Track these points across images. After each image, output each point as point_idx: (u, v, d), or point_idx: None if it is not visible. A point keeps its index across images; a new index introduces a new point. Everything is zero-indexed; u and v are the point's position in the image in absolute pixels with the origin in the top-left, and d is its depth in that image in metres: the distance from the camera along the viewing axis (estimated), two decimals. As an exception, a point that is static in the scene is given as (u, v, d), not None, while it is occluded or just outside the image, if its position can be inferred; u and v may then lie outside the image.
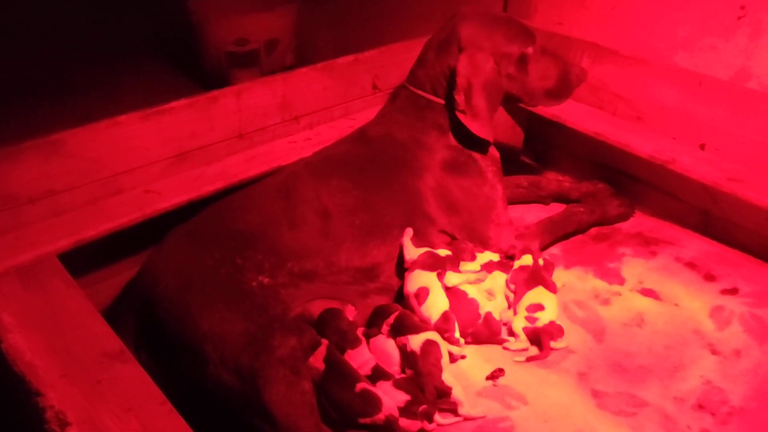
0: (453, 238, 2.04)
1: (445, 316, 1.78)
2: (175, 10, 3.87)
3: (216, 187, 2.03)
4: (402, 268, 1.91)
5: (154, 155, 2.00)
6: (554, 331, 1.82)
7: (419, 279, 1.83)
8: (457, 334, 1.78)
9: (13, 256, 1.68)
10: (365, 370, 1.66)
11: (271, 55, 3.91)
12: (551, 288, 1.91)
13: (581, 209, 2.26)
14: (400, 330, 1.75)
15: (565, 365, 1.79)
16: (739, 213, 2.13)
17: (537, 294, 1.87)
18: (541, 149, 2.74)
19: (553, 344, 1.81)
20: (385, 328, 1.78)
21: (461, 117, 1.98)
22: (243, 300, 1.64)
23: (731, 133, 2.17)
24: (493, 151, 2.12)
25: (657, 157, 2.21)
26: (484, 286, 1.94)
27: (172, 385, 1.50)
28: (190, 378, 1.59)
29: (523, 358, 1.80)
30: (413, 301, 1.82)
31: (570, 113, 2.39)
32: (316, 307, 1.81)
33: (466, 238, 2.02)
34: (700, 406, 1.67)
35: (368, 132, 2.11)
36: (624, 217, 2.35)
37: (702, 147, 2.25)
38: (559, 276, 2.05)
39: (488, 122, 2.00)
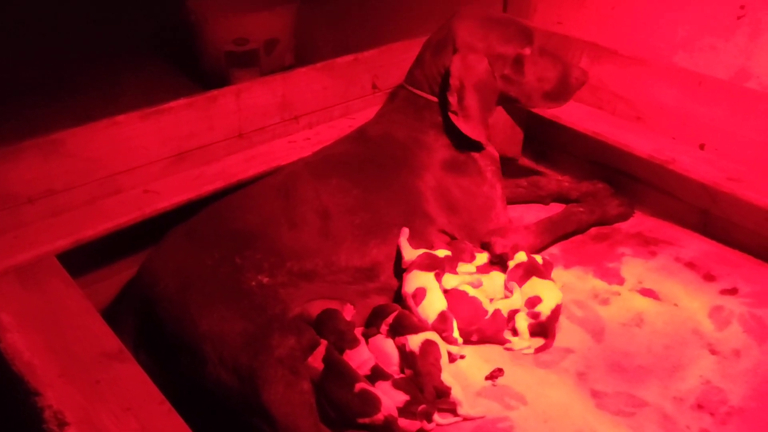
0: (452, 237, 2.04)
1: (442, 316, 1.78)
2: (174, 9, 3.87)
3: (215, 187, 2.02)
4: (401, 269, 1.90)
5: (154, 155, 2.00)
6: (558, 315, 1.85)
7: (417, 279, 1.83)
8: (455, 334, 1.77)
9: (12, 255, 1.68)
10: (364, 370, 1.66)
11: (270, 54, 3.91)
12: (544, 275, 1.92)
13: (581, 209, 2.26)
14: (399, 330, 1.75)
15: (565, 365, 1.79)
16: (739, 213, 2.13)
17: (531, 287, 1.88)
18: (541, 149, 2.74)
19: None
20: (384, 327, 1.78)
21: (453, 118, 1.98)
22: (242, 300, 1.64)
23: (731, 132, 2.17)
24: (492, 151, 2.11)
25: (656, 156, 2.21)
26: (486, 290, 1.93)
27: (171, 385, 1.49)
28: (189, 378, 1.59)
29: (531, 351, 1.82)
30: (410, 302, 1.82)
31: (569, 113, 2.39)
32: (316, 307, 1.80)
33: (466, 238, 2.02)
34: (700, 406, 1.67)
35: (367, 131, 2.11)
36: (623, 217, 2.35)
37: (701, 147, 2.25)
38: (559, 276, 2.05)
39: (480, 123, 2.00)
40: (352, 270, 1.89)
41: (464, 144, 2.02)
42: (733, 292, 2.02)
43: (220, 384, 1.55)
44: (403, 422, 1.57)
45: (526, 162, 2.76)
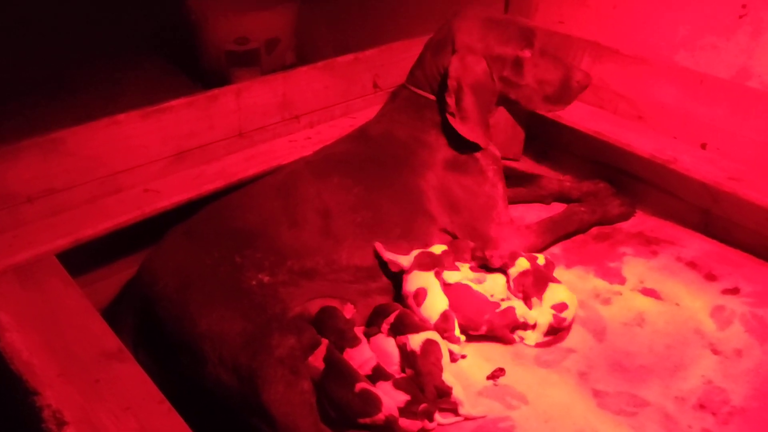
0: (454, 236, 2.03)
1: (444, 315, 1.78)
2: (174, 8, 3.87)
3: (215, 186, 2.02)
4: (393, 273, 1.91)
5: (154, 154, 1.99)
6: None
7: (417, 279, 1.83)
8: (457, 332, 1.77)
9: (12, 254, 1.68)
10: (366, 370, 1.66)
11: (271, 54, 3.90)
12: (554, 278, 1.93)
13: (582, 209, 2.26)
14: (400, 329, 1.74)
15: (566, 365, 1.79)
16: (740, 212, 2.13)
17: (554, 293, 1.87)
18: (542, 148, 2.74)
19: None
20: (385, 327, 1.77)
21: (451, 119, 1.97)
22: (242, 299, 1.64)
23: (732, 132, 2.17)
24: (494, 150, 2.11)
25: (658, 156, 2.20)
26: (487, 290, 1.93)
27: (171, 385, 1.49)
28: (189, 377, 1.59)
29: (532, 343, 1.84)
30: (412, 302, 1.82)
31: (571, 113, 2.38)
32: (316, 306, 1.80)
33: (467, 237, 2.02)
34: (701, 406, 1.67)
35: (369, 131, 2.11)
36: (625, 217, 2.35)
37: (703, 146, 2.25)
38: (560, 275, 2.04)
39: (478, 125, 1.99)
40: (354, 269, 1.88)
41: (464, 144, 2.02)
42: (734, 291, 2.02)
43: (219, 384, 1.54)
44: (404, 422, 1.56)
45: (527, 161, 2.76)
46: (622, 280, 2.08)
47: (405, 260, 1.87)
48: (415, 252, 1.88)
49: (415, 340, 1.70)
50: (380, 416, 1.53)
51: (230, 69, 3.80)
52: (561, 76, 2.02)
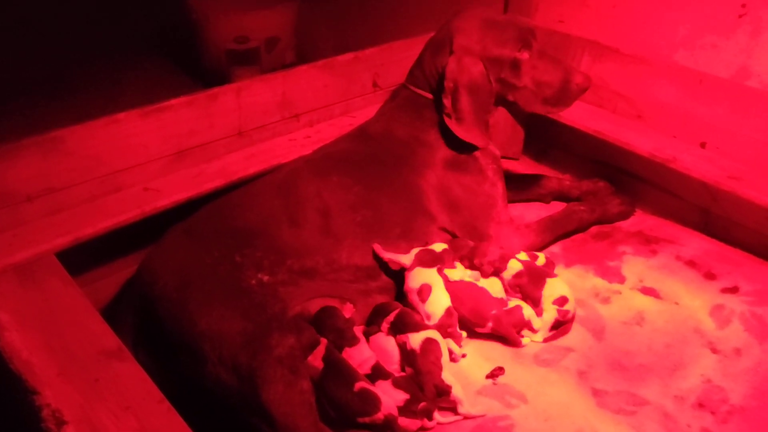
0: (453, 235, 2.03)
1: (448, 311, 1.79)
2: (175, 7, 3.87)
3: (215, 185, 2.02)
4: (393, 272, 1.91)
5: (154, 153, 1.99)
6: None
7: (420, 276, 1.83)
8: (458, 329, 1.79)
9: (11, 254, 1.67)
10: (365, 369, 1.66)
11: (271, 52, 3.90)
12: (549, 273, 1.93)
13: (582, 208, 2.26)
14: (400, 328, 1.74)
15: (565, 364, 1.79)
16: (740, 211, 2.13)
17: (552, 288, 1.88)
18: (542, 147, 2.74)
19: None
20: (385, 326, 1.77)
21: (447, 120, 1.97)
22: (242, 298, 1.64)
23: (732, 131, 2.17)
24: (493, 149, 2.11)
25: (657, 155, 2.20)
26: (487, 285, 1.93)
27: (171, 384, 1.49)
28: (189, 376, 1.59)
29: (539, 339, 1.85)
30: (415, 298, 1.82)
31: (570, 112, 2.37)
32: (316, 306, 1.80)
33: (467, 236, 2.02)
34: (701, 405, 1.67)
35: (368, 129, 2.11)
36: (624, 216, 2.35)
37: (702, 145, 2.25)
38: (560, 274, 2.04)
39: (474, 126, 1.99)
40: (354, 268, 1.88)
41: (463, 143, 2.02)
42: (734, 290, 2.02)
43: (219, 383, 1.54)
44: (403, 421, 1.56)
45: (527, 160, 2.76)
46: (621, 279, 2.08)
47: (405, 258, 1.87)
48: (416, 250, 1.89)
49: (415, 339, 1.70)
50: (379, 415, 1.53)
51: (230, 68, 3.80)
52: (560, 79, 2.01)
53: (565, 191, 2.44)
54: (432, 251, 1.88)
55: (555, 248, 2.20)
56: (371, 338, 1.78)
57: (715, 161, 2.16)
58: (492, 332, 1.84)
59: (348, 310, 1.83)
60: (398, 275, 1.90)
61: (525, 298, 1.90)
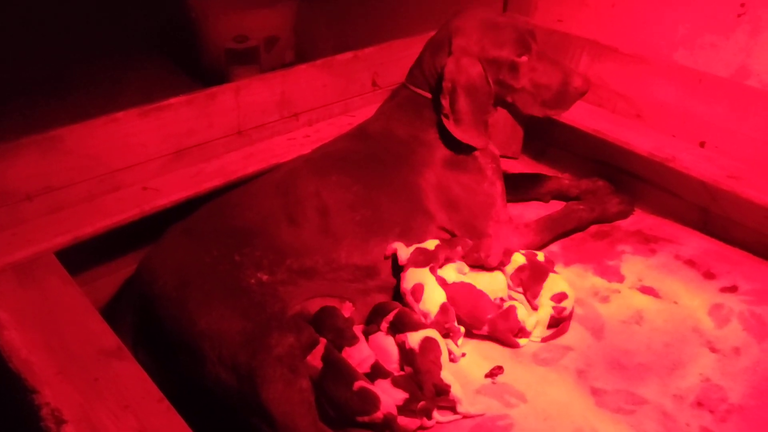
0: (452, 234, 2.03)
1: (443, 307, 1.79)
2: (174, 6, 3.87)
3: (214, 184, 2.02)
4: (398, 269, 1.91)
5: (153, 152, 1.99)
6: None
7: (413, 276, 1.84)
8: (456, 324, 1.79)
9: (10, 253, 1.67)
10: (364, 368, 1.66)
11: (270, 52, 3.90)
12: (554, 270, 1.95)
13: (581, 207, 2.26)
14: (399, 327, 1.75)
15: (564, 363, 1.79)
16: (739, 211, 2.13)
17: (553, 283, 1.89)
18: (541, 147, 2.74)
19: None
20: (384, 325, 1.78)
21: (445, 121, 1.97)
22: (241, 297, 1.64)
23: (731, 130, 2.17)
24: (492, 149, 2.11)
25: (656, 154, 2.20)
26: (485, 287, 1.93)
27: (170, 383, 1.49)
28: (188, 376, 1.59)
29: (538, 339, 1.85)
30: (410, 299, 1.83)
31: (569, 111, 2.36)
32: (315, 305, 1.80)
33: (466, 235, 2.02)
34: (699, 404, 1.67)
35: (368, 129, 2.11)
36: (623, 215, 2.35)
37: (702, 144, 2.25)
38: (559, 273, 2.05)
39: (472, 127, 1.99)
40: (353, 267, 1.88)
41: (461, 143, 2.01)
42: (732, 289, 2.02)
43: (218, 382, 1.54)
44: (402, 420, 1.56)
45: (526, 160, 2.76)
46: (620, 278, 2.09)
47: (404, 254, 1.88)
48: (411, 248, 1.89)
49: (414, 338, 1.70)
50: (378, 414, 1.53)
51: (230, 67, 3.80)
52: (558, 81, 2.00)
53: (564, 190, 2.44)
54: (425, 250, 1.89)
55: (554, 247, 2.20)
56: (370, 337, 1.78)
57: (715, 160, 2.16)
58: (488, 335, 1.84)
59: (347, 310, 1.83)
60: (397, 274, 1.90)
61: (525, 292, 1.92)
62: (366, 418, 1.54)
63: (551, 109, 2.05)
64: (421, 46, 2.11)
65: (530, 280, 1.92)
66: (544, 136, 2.70)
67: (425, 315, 1.80)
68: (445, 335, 1.79)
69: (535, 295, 1.90)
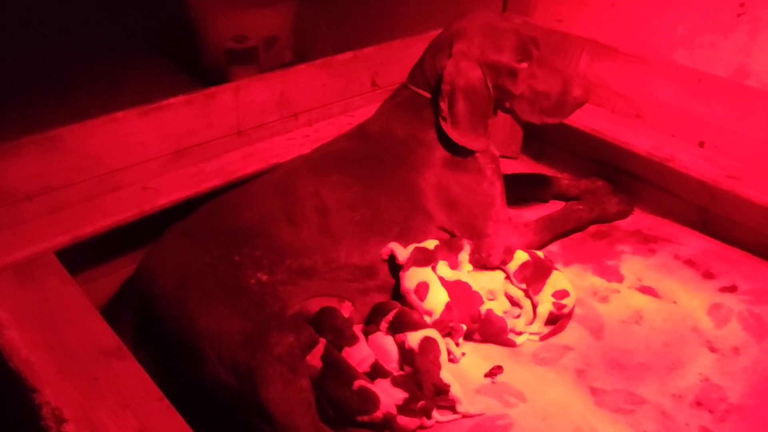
0: (452, 234, 2.04)
1: (448, 306, 1.80)
2: (174, 6, 3.87)
3: (214, 184, 2.02)
4: (396, 268, 1.91)
5: (152, 152, 1.99)
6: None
7: (416, 275, 1.84)
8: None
9: (10, 252, 1.68)
10: (364, 367, 1.66)
11: (269, 52, 3.90)
12: (556, 268, 1.96)
13: (580, 207, 2.26)
14: (398, 327, 1.75)
15: (564, 362, 1.79)
16: (738, 210, 2.13)
17: (555, 280, 1.90)
18: (540, 147, 2.74)
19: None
20: (383, 325, 1.78)
21: (443, 124, 1.97)
22: (241, 297, 1.64)
23: (730, 130, 2.17)
24: (492, 149, 2.11)
25: (656, 154, 2.21)
26: (484, 285, 1.94)
27: (170, 383, 1.49)
28: (188, 375, 1.59)
29: (536, 338, 1.86)
30: (413, 298, 1.83)
31: (569, 112, 2.40)
32: (315, 305, 1.80)
33: (465, 235, 2.02)
34: (699, 404, 1.67)
35: (367, 128, 2.11)
36: (623, 215, 2.35)
37: (701, 144, 2.25)
38: (558, 273, 2.05)
39: (470, 130, 1.98)
40: (352, 267, 1.88)
41: (455, 148, 2.01)
42: (732, 289, 2.03)
43: (218, 382, 1.54)
44: (402, 419, 1.57)
45: (525, 160, 2.76)
46: (619, 278, 2.09)
47: (402, 253, 1.88)
48: (411, 247, 1.89)
49: (414, 338, 1.70)
50: (378, 414, 1.53)
51: (229, 67, 3.80)
52: (558, 90, 1.99)
53: (563, 190, 2.44)
54: (426, 249, 1.89)
55: (553, 247, 2.20)
56: (370, 337, 1.78)
57: (714, 160, 2.17)
58: (482, 341, 1.86)
59: (346, 309, 1.83)
60: (396, 274, 1.90)
61: (528, 288, 1.93)
62: (366, 418, 1.54)
63: (549, 117, 2.04)
64: (421, 46, 2.11)
65: (533, 277, 1.92)
66: (543, 136, 2.70)
67: (429, 313, 1.80)
68: (447, 334, 1.79)
69: (537, 292, 1.90)
